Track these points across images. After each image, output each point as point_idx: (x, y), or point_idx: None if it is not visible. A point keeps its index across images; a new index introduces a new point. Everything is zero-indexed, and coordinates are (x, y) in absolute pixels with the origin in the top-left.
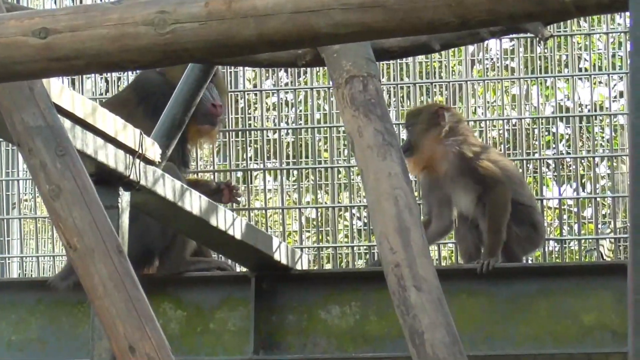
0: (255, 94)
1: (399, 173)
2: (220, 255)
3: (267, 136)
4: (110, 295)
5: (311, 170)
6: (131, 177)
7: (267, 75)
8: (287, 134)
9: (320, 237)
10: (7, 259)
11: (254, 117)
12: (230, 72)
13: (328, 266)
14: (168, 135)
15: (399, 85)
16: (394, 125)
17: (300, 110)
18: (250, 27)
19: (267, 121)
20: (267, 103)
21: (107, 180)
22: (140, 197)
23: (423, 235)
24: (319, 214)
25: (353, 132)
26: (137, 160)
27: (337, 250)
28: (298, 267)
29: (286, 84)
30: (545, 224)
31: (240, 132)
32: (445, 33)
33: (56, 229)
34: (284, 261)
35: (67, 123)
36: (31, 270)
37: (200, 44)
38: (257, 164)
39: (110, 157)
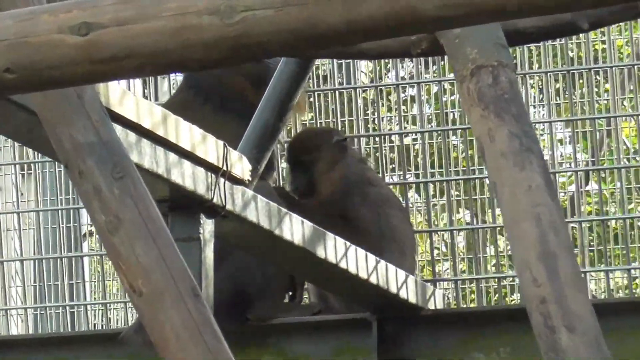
0: (376, 91)
1: (541, 186)
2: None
3: (390, 142)
4: (185, 348)
5: (446, 183)
6: (214, 200)
7: (389, 66)
8: (415, 139)
9: (459, 267)
10: (75, 307)
11: (372, 119)
12: (341, 64)
13: (469, 304)
14: (260, 146)
15: (527, 75)
16: (533, 127)
17: (430, 109)
18: (337, 13)
19: (390, 123)
20: (389, 101)
21: (185, 205)
22: (227, 225)
23: (573, 262)
24: (457, 237)
25: (483, 136)
26: (222, 180)
27: (481, 283)
28: (431, 305)
29: (411, 77)
30: None
31: (355, 139)
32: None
33: (116, 269)
34: (412, 299)
35: (131, 136)
36: (101, 321)
37: (276, 35)
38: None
39: (188, 176)
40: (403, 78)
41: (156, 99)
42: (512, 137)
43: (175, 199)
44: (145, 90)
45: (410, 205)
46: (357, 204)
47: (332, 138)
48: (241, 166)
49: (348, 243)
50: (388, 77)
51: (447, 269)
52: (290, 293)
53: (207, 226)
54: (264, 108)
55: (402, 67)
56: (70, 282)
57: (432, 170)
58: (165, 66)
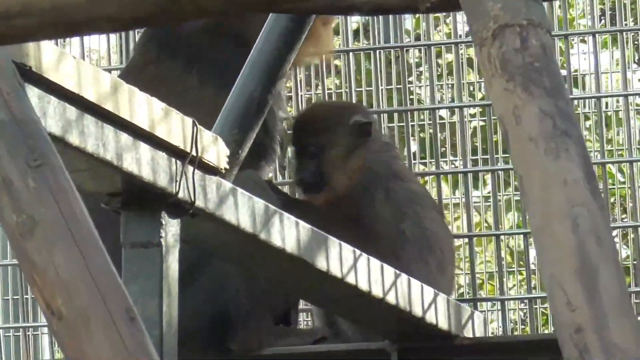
0: (420, 50)
1: (581, 180)
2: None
3: (441, 118)
4: None
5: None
6: (180, 195)
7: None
8: (474, 115)
9: (507, 284)
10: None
11: (416, 92)
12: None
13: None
14: (242, 124)
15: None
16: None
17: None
18: None
19: (439, 95)
20: (438, 64)
21: (142, 201)
22: (197, 226)
23: (620, 279)
24: (513, 244)
25: (506, 116)
26: (190, 168)
27: (535, 303)
28: (467, 333)
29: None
30: None
31: (395, 114)
32: None
33: (29, 284)
34: (443, 324)
35: (70, 111)
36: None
37: None
38: (424, 164)
39: (145, 163)
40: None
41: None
42: (543, 118)
43: (128, 193)
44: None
45: (457, 201)
46: (379, 202)
47: (353, 117)
48: (216, 150)
49: (357, 251)
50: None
51: (514, 285)
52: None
53: (171, 228)
54: (247, 76)
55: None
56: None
57: (497, 156)
58: (69, 26)
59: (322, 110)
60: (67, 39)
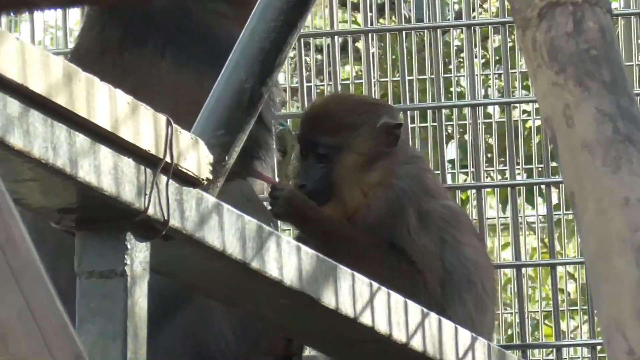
0: (462, 32)
1: None
2: None
3: (487, 117)
4: None
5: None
6: (151, 212)
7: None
8: (529, 113)
9: (567, 326)
10: None
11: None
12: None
13: None
14: (229, 123)
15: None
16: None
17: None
18: None
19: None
20: (485, 48)
21: (102, 219)
22: (172, 252)
23: None
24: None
25: (555, 116)
26: (164, 178)
27: (598, 352)
28: None
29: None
30: None
31: (429, 111)
32: None
33: None
34: None
35: (12, 107)
36: None
37: None
38: (465, 174)
39: (106, 172)
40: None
41: None
42: (602, 120)
43: (85, 209)
44: None
45: (505, 221)
46: (412, 227)
47: (380, 117)
48: (196, 156)
49: (375, 284)
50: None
51: (576, 328)
52: None
53: (139, 254)
54: (236, 62)
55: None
56: None
57: (541, 166)
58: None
59: (341, 105)
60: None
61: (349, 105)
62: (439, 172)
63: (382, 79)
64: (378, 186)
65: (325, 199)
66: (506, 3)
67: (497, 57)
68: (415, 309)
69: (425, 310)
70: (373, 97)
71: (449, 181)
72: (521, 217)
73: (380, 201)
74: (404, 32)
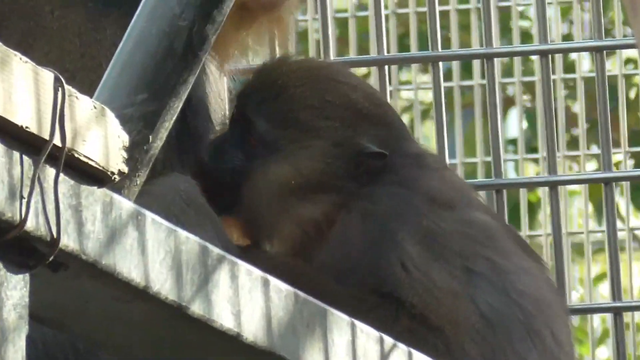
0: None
1: None
2: None
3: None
4: None
5: None
6: (31, 225)
7: None
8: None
9: None
10: None
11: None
12: None
13: None
14: (154, 84)
15: None
16: None
17: None
18: None
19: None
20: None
21: None
22: (65, 289)
23: None
24: None
25: None
26: (52, 172)
27: None
28: None
29: None
30: None
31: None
32: None
33: None
34: None
35: None
36: None
37: None
38: (535, 160)
39: None
40: None
41: None
42: None
43: None
44: None
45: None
46: (410, 262)
47: (357, 136)
48: (102, 136)
49: (388, 340)
50: None
51: None
52: None
53: (11, 292)
54: None
55: None
56: None
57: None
58: None
59: (308, 86)
60: None
61: (320, 93)
62: (489, 158)
63: (400, 9)
64: (337, 211)
65: (229, 205)
66: None
67: None
68: None
69: None
70: (371, 85)
71: (512, 173)
72: (624, 229)
73: (348, 229)
74: None
